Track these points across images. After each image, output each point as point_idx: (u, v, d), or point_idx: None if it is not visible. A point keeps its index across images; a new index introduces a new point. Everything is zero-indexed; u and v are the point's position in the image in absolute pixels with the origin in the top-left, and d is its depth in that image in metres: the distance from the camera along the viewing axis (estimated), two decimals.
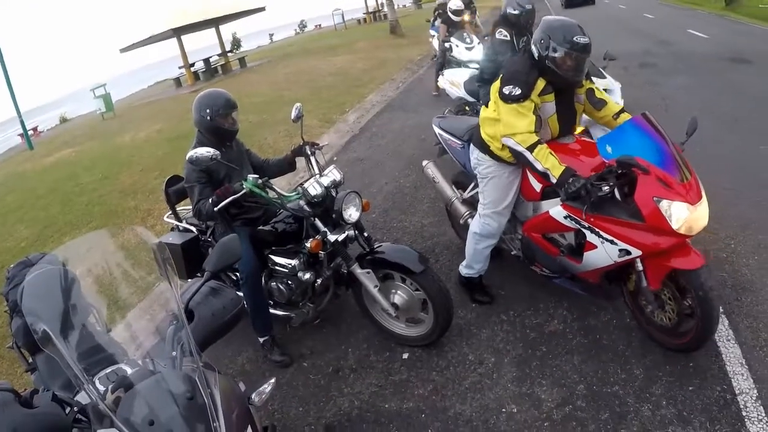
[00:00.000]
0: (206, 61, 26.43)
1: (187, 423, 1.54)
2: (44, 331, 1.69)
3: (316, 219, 3.62)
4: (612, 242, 3.24)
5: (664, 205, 3.02)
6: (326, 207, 3.64)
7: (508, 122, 3.49)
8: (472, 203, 4.58)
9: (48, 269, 2.10)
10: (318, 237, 3.62)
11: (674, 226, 3.01)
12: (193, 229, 4.26)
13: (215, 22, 27.93)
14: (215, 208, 3.50)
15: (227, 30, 40.52)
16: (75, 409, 1.63)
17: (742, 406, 3.11)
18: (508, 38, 6.17)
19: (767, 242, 4.71)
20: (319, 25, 59.25)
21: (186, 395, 1.61)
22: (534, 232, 3.89)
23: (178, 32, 25.33)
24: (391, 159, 8.31)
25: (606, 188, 3.11)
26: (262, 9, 30.15)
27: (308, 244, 3.63)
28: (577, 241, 3.61)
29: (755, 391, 3.19)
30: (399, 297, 3.83)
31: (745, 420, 3.02)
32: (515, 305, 4.30)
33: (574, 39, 3.30)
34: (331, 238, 3.60)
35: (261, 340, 4.05)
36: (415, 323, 3.98)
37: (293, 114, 4.05)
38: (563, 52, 3.34)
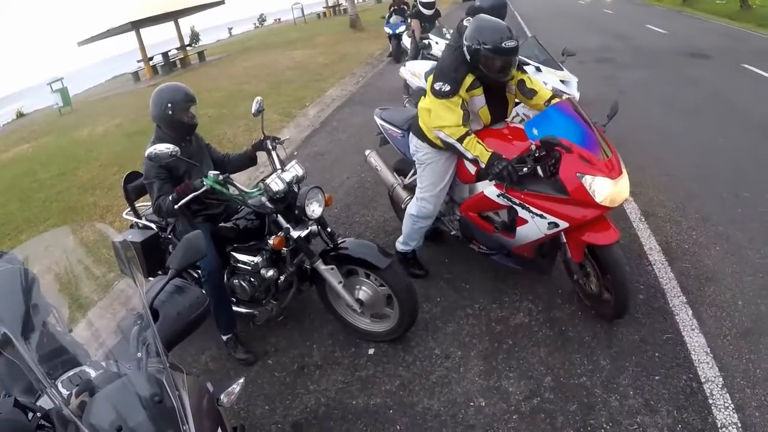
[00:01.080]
0: (165, 54, 26.00)
1: (156, 427, 1.47)
2: (4, 334, 1.60)
3: (279, 215, 3.55)
4: (541, 216, 3.52)
5: (587, 180, 3.28)
6: (288, 203, 3.57)
7: (439, 116, 3.73)
8: (412, 188, 4.74)
9: (7, 269, 2.01)
10: (281, 233, 3.56)
11: (598, 199, 3.28)
12: (153, 226, 4.16)
13: (174, 16, 27.49)
14: (176, 206, 3.41)
15: (186, 23, 39.88)
16: (38, 415, 1.56)
17: (708, 394, 3.17)
18: None
19: (728, 233, 4.82)
20: (279, 19, 58.65)
21: (154, 398, 1.54)
22: (471, 212, 4.13)
23: (136, 25, 24.87)
24: (352, 153, 8.21)
25: (525, 168, 3.43)
26: (221, 2, 29.75)
27: (271, 241, 3.57)
28: (510, 218, 3.82)
29: (721, 379, 3.26)
30: (363, 293, 3.79)
31: (712, 407, 3.08)
32: (480, 299, 4.31)
33: (503, 44, 3.48)
34: (294, 234, 3.53)
35: (224, 338, 3.97)
36: (380, 318, 3.94)
37: (254, 108, 3.98)
38: (491, 54, 3.53)
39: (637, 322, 3.83)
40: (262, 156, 4.15)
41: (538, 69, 6.34)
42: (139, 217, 4.34)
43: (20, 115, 26.42)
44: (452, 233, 4.66)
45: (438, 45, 9.26)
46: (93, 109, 18.44)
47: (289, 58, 19.31)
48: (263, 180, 3.55)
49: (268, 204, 3.51)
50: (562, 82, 6.49)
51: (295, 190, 3.61)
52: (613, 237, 3.45)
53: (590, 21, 22.52)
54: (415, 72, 7.94)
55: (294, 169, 3.65)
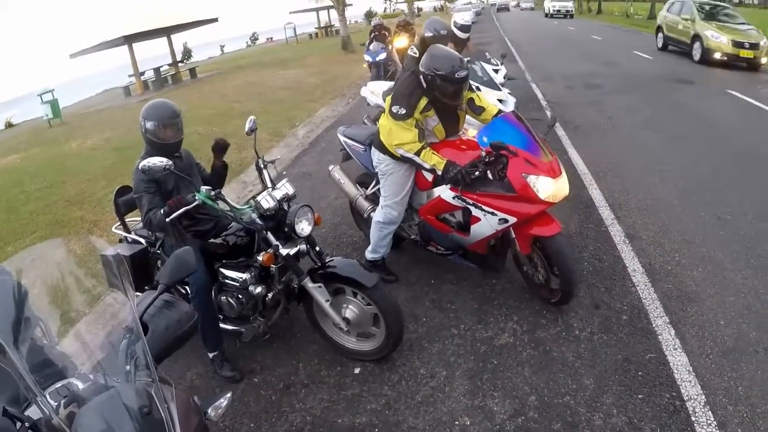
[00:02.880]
0: (156, 70, 26.02)
1: None
2: None
3: (268, 232, 3.57)
4: (492, 213, 3.96)
5: (531, 179, 3.78)
6: (278, 221, 3.60)
7: (398, 135, 4.16)
8: (373, 199, 5.23)
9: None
10: (270, 251, 3.58)
11: (542, 196, 3.78)
12: (142, 240, 4.16)
13: (167, 32, 27.52)
14: (167, 219, 3.42)
15: (179, 40, 39.99)
16: (26, 424, 1.56)
17: (691, 412, 3.22)
18: (417, 55, 7.04)
19: (710, 255, 4.90)
20: (271, 38, 59.01)
21: (143, 410, 1.55)
22: (429, 215, 4.53)
23: (129, 40, 24.87)
24: None
25: (477, 172, 3.87)
26: (214, 20, 29.89)
27: (260, 258, 3.59)
28: (464, 218, 4.28)
29: (703, 397, 3.32)
30: (350, 311, 3.81)
31: (695, 425, 3.14)
32: (465, 319, 4.34)
33: (455, 74, 3.92)
34: (283, 251, 3.55)
35: (210, 355, 3.96)
36: (367, 338, 3.96)
37: (247, 126, 4.01)
38: (444, 82, 3.97)
39: (620, 341, 3.88)
40: (251, 174, 4.19)
41: (477, 89, 6.62)
42: (129, 232, 4.34)
43: (9, 125, 26.23)
44: (411, 237, 5.04)
45: (484, 69, 9.23)
46: (82, 122, 18.37)
47: (280, 78, 19.40)
48: (254, 197, 3.58)
49: (258, 221, 3.53)
50: (500, 101, 7.10)
51: (285, 208, 3.64)
52: (555, 229, 3.96)
53: (579, 47, 22.80)
54: (374, 91, 8.52)
55: (284, 188, 3.68)
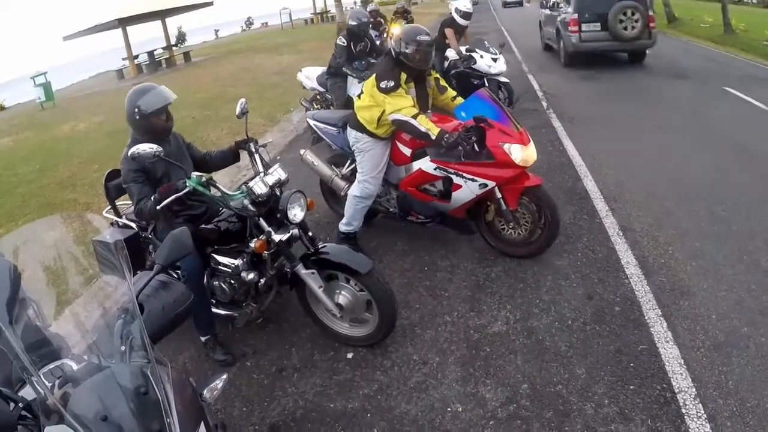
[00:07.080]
0: (150, 53, 25.92)
1: (141, 419, 1.48)
2: None
3: (260, 218, 3.55)
4: (473, 180, 4.50)
5: (506, 147, 4.35)
6: (271, 206, 3.58)
7: (393, 103, 4.53)
8: (348, 178, 5.50)
9: None
10: (262, 237, 3.56)
11: (516, 160, 4.34)
12: (134, 225, 4.12)
13: (162, 15, 27.35)
14: (158, 206, 3.38)
15: (173, 23, 39.71)
16: (20, 405, 1.55)
17: (681, 404, 3.22)
18: (345, 44, 7.87)
19: (704, 249, 4.90)
20: (266, 23, 58.73)
21: (140, 390, 1.55)
22: (410, 187, 4.93)
23: (123, 23, 24.68)
24: None
25: (473, 138, 4.32)
26: (209, 4, 29.71)
27: (252, 244, 3.56)
28: (445, 187, 4.76)
29: (694, 390, 3.31)
30: (343, 297, 3.80)
31: (685, 417, 3.13)
32: (459, 306, 4.34)
33: (419, 38, 4.54)
34: (276, 238, 3.53)
35: (203, 339, 3.95)
36: (359, 323, 3.95)
37: (238, 109, 3.97)
38: (413, 48, 4.56)
39: (613, 333, 3.89)
40: (245, 158, 4.16)
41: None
42: (119, 216, 4.31)
43: (1, 108, 26.05)
44: (390, 210, 5.37)
45: (483, 59, 9.13)
46: (75, 105, 18.26)
47: (274, 63, 19.31)
48: (246, 183, 3.55)
49: (250, 207, 3.50)
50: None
51: (278, 193, 3.61)
52: (539, 180, 4.61)
53: None
54: (309, 75, 9.47)
55: (277, 173, 3.65)
